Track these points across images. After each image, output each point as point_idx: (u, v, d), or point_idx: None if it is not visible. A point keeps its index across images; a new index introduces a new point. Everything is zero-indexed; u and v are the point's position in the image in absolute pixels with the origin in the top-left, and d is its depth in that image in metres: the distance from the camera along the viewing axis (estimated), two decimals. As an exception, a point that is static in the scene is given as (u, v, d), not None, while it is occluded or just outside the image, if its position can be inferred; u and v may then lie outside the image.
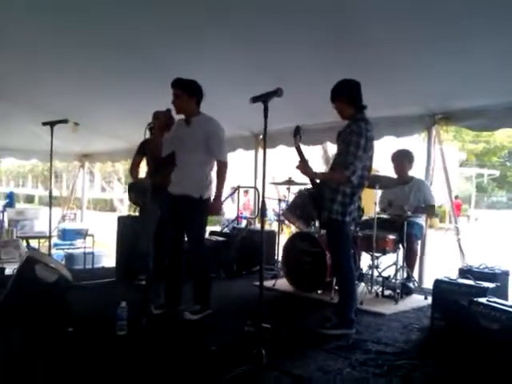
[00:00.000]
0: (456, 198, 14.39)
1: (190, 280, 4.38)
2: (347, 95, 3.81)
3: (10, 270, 5.61)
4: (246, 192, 11.19)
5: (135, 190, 5.48)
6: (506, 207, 37.08)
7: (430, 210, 5.45)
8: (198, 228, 4.29)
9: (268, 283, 5.43)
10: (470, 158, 33.55)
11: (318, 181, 4.03)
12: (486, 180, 35.84)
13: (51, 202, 5.17)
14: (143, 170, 5.47)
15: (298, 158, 3.90)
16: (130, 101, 5.93)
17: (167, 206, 4.25)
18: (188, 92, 4.07)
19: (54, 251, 8.41)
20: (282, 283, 5.55)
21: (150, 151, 4.23)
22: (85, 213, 11.74)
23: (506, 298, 3.91)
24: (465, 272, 4.29)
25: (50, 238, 5.60)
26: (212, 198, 4.19)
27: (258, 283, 3.20)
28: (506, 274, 4.38)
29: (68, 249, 8.57)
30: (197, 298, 4.28)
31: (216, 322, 4.15)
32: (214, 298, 4.53)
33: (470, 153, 33.16)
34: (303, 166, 3.87)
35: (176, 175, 4.20)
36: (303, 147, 4.00)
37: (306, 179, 4.17)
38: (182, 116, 4.21)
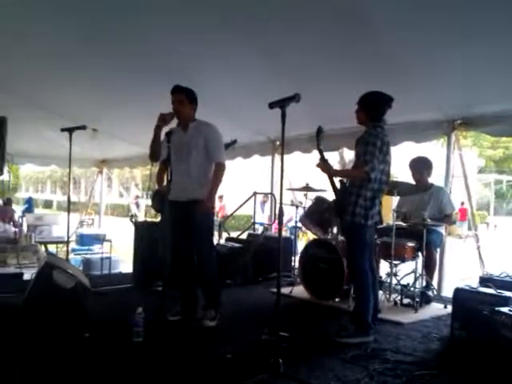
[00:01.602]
0: (462, 204, 14.21)
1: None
2: (371, 105, 3.93)
3: (28, 274, 5.66)
4: (266, 198, 11.17)
5: (159, 197, 5.50)
6: (526, 214, 36.52)
7: (448, 219, 5.37)
8: (209, 231, 4.38)
9: (285, 290, 5.39)
10: (489, 164, 33.15)
11: (339, 187, 4.06)
12: (505, 186, 35.33)
13: (69, 207, 5.22)
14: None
15: (319, 156, 3.98)
16: (148, 107, 5.90)
17: (173, 214, 4.21)
18: (189, 98, 4.20)
19: (71, 256, 8.50)
20: (299, 290, 5.51)
21: (151, 154, 4.24)
22: (102, 218, 11.83)
23: (528, 307, 3.82)
24: (485, 280, 4.20)
25: (68, 243, 5.65)
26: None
27: (274, 290, 3.18)
28: (527, 282, 4.28)
29: (86, 254, 8.64)
30: (210, 302, 4.28)
31: (232, 329, 4.14)
32: (230, 305, 4.53)
33: (488, 159, 32.77)
34: (323, 164, 3.96)
35: (178, 182, 4.14)
36: (314, 153, 4.04)
37: (323, 186, 4.19)
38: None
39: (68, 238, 5.40)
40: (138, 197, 22.53)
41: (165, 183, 5.37)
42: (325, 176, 4.05)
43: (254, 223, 8.15)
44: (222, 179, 4.25)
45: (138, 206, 21.23)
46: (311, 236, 7.41)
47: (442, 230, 5.40)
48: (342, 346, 3.66)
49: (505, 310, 3.21)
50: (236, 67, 4.88)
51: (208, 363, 3.31)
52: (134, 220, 6.37)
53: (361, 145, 3.90)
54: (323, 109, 5.52)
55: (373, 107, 3.93)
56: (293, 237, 7.25)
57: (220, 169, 4.22)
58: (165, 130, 4.13)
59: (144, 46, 4.63)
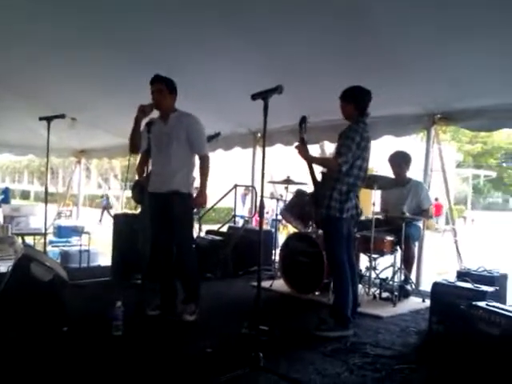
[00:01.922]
0: (436, 199, 14.40)
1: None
2: (355, 99, 3.97)
3: (4, 267, 5.55)
4: (247, 190, 11.15)
5: (138, 188, 5.44)
6: (502, 208, 37.22)
7: (425, 213, 5.42)
8: (189, 224, 4.34)
9: (265, 284, 5.40)
10: (467, 159, 33.62)
11: (319, 178, 4.09)
12: (483, 181, 35.92)
13: (47, 198, 5.12)
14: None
15: (299, 140, 3.99)
16: (129, 97, 5.83)
17: (153, 206, 4.18)
18: (169, 88, 4.13)
19: (49, 248, 8.36)
20: (279, 284, 5.52)
21: (131, 145, 4.17)
22: (81, 210, 11.68)
23: (504, 301, 3.88)
24: (463, 275, 4.25)
25: (45, 235, 5.56)
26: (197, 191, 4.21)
27: (255, 284, 3.17)
28: (504, 277, 4.35)
29: (64, 246, 8.52)
30: (189, 296, 4.25)
31: (212, 323, 4.12)
32: (210, 299, 4.51)
33: (466, 154, 33.23)
34: (302, 147, 3.97)
35: (158, 173, 4.15)
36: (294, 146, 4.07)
37: (304, 179, 4.20)
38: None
39: (45, 229, 5.30)
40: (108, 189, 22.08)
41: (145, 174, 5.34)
42: (305, 166, 4.05)
43: (234, 216, 8.13)
44: (209, 170, 4.20)
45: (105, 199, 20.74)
46: (292, 229, 7.42)
47: (420, 224, 5.45)
48: (321, 340, 3.68)
49: (482, 304, 3.23)
50: (218, 59, 4.82)
51: (188, 357, 3.29)
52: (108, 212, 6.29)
53: (341, 138, 3.93)
54: (305, 101, 5.49)
55: (362, 101, 3.96)
56: (273, 230, 7.25)
57: (205, 161, 4.18)
58: (145, 120, 4.09)
59: (126, 36, 4.54)
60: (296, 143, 4.03)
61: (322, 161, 4.36)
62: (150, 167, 4.22)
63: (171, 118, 4.17)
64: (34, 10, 4.15)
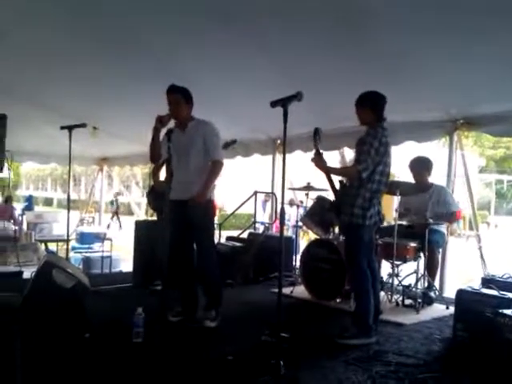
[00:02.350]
0: None
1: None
2: (371, 104, 3.91)
3: (28, 273, 5.63)
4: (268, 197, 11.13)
5: (153, 194, 5.49)
6: (526, 213, 36.49)
7: (451, 217, 5.33)
8: (210, 230, 4.39)
9: (285, 290, 5.36)
10: (490, 164, 33.07)
11: (338, 187, 4.04)
12: (506, 186, 35.27)
13: (69, 205, 5.18)
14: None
15: (314, 151, 3.95)
16: (148, 104, 5.90)
17: (173, 213, 4.16)
18: (185, 98, 4.16)
19: (72, 255, 8.47)
20: (300, 290, 5.49)
21: (151, 156, 4.22)
22: (103, 216, 11.80)
23: (531, 309, 3.79)
24: (488, 281, 4.17)
25: (67, 241, 5.61)
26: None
27: (275, 290, 3.14)
28: (530, 283, 4.25)
29: (86, 252, 8.61)
30: (211, 302, 4.25)
31: (233, 330, 4.11)
32: (230, 305, 4.49)
33: (489, 159, 32.69)
34: (318, 158, 3.93)
35: (178, 181, 4.18)
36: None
37: (325, 185, 4.18)
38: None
39: (68, 236, 5.37)
40: (118, 194, 22.15)
41: (160, 180, 5.37)
42: (323, 175, 4.02)
43: (254, 222, 8.12)
44: (218, 177, 4.22)
45: (114, 203, 20.83)
46: (312, 235, 7.38)
47: (444, 229, 5.36)
48: (343, 348, 3.63)
49: (508, 311, 3.18)
50: (236, 66, 4.85)
51: (209, 364, 3.28)
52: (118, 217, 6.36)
53: (359, 144, 3.89)
54: (324, 108, 5.49)
55: (379, 105, 3.91)
56: (294, 236, 7.21)
57: (216, 166, 4.18)
58: (165, 129, 4.12)
59: (144, 46, 4.61)
60: (312, 155, 3.98)
61: (340, 170, 4.33)
62: (169, 174, 4.25)
63: (189, 126, 4.21)
64: (54, 22, 4.23)
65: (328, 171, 4.03)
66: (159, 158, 4.30)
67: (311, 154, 4.02)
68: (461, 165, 5.63)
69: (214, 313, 4.17)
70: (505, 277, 4.34)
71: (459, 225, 17.02)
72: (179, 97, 4.12)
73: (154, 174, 5.46)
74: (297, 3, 3.71)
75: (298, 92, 3.01)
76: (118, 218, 18.93)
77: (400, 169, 6.76)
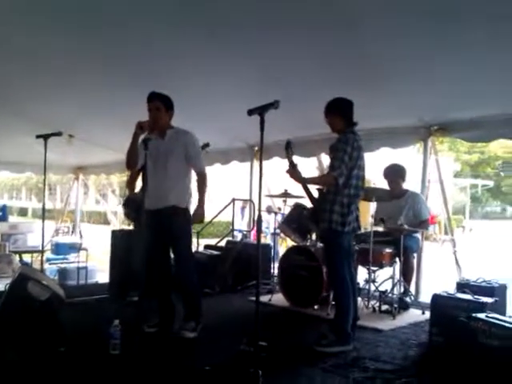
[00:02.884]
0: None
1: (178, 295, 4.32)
2: (340, 111, 3.97)
3: (1, 285, 5.52)
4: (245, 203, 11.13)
5: (130, 204, 5.43)
6: (500, 217, 37.20)
7: (423, 225, 5.41)
8: (187, 239, 4.29)
9: (264, 298, 5.38)
10: (465, 168, 33.66)
11: (315, 195, 4.08)
12: (481, 191, 35.94)
13: (44, 215, 5.11)
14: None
15: (288, 163, 4.00)
16: (124, 112, 5.88)
17: (150, 221, 4.14)
18: (166, 106, 4.14)
19: (46, 266, 8.34)
20: (278, 298, 5.49)
21: (128, 162, 4.18)
22: (79, 226, 11.63)
23: (504, 312, 3.87)
24: (462, 286, 4.25)
25: (42, 252, 5.53)
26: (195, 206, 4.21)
27: (253, 298, 3.14)
28: (503, 287, 4.35)
29: (61, 263, 8.48)
30: (190, 313, 4.20)
31: (210, 339, 4.08)
32: (208, 314, 4.47)
33: (464, 163, 33.28)
34: (292, 171, 3.96)
35: (155, 189, 4.13)
36: (297, 159, 4.08)
37: (302, 192, 4.20)
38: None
39: (43, 247, 5.28)
40: None
41: (136, 191, 5.33)
42: (296, 183, 4.05)
43: (232, 230, 8.11)
44: (207, 185, 4.24)
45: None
46: (290, 242, 7.40)
47: (418, 235, 5.44)
48: (321, 355, 3.64)
49: (481, 315, 3.23)
50: (214, 73, 4.84)
51: (186, 375, 3.26)
52: None
53: (331, 151, 3.92)
54: (302, 114, 5.52)
55: (347, 111, 3.96)
56: (272, 243, 7.22)
57: (203, 178, 4.22)
58: (141, 136, 4.09)
59: (121, 52, 4.57)
60: (287, 167, 4.01)
61: (316, 179, 4.35)
62: (144, 183, 4.22)
63: (168, 134, 4.18)
64: (30, 25, 4.17)
65: (304, 182, 4.06)
66: (135, 165, 4.24)
67: (286, 164, 4.04)
68: (435, 170, 5.72)
69: (193, 323, 4.12)
70: (479, 281, 4.42)
71: (435, 229, 17.30)
72: (160, 104, 4.10)
73: (130, 184, 5.40)
74: (277, 13, 3.73)
75: (275, 100, 3.03)
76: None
77: (376, 175, 6.83)
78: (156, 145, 4.10)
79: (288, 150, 4.03)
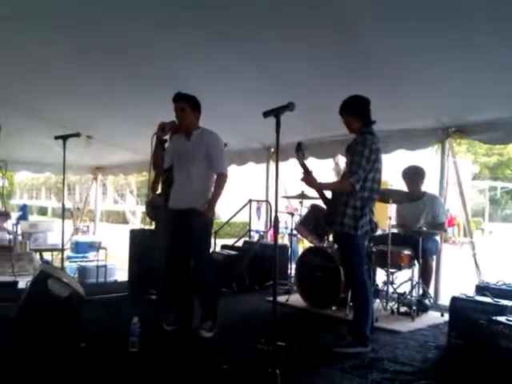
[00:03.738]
0: (447, 211, 14.19)
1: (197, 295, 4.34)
2: (356, 110, 3.88)
3: (23, 283, 5.60)
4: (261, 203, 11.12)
5: (151, 205, 5.50)
6: (520, 220, 36.65)
7: (441, 227, 5.37)
8: (205, 241, 4.29)
9: (281, 298, 5.38)
10: (483, 171, 33.26)
11: (327, 196, 4.05)
12: (500, 193, 35.44)
13: (64, 214, 5.18)
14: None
15: (302, 171, 3.95)
16: (143, 114, 5.95)
17: (172, 222, 4.20)
18: (192, 106, 4.14)
19: (67, 264, 8.44)
20: (296, 299, 5.49)
21: (153, 163, 4.19)
22: (98, 225, 11.77)
23: (525, 316, 3.81)
24: (482, 289, 4.20)
25: (62, 251, 5.60)
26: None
27: (271, 298, 3.14)
28: (524, 290, 4.28)
29: (81, 262, 8.58)
30: (207, 312, 4.22)
31: (228, 338, 4.11)
32: (226, 314, 4.49)
33: (482, 166, 32.89)
34: (307, 177, 3.92)
35: (179, 190, 4.18)
36: (313, 160, 4.04)
37: (318, 195, 4.19)
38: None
39: (63, 245, 5.35)
40: None
41: (158, 191, 5.36)
42: (315, 190, 4.02)
43: (249, 230, 8.12)
44: (224, 187, 4.20)
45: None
46: (307, 243, 7.39)
47: (437, 237, 5.40)
48: (339, 356, 3.63)
49: (502, 319, 3.20)
50: (232, 75, 4.87)
51: (204, 374, 3.28)
52: None
53: (349, 153, 3.86)
54: (318, 116, 5.52)
55: (364, 110, 3.87)
56: (289, 244, 7.21)
57: (222, 179, 4.18)
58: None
59: (140, 54, 4.61)
60: (301, 175, 3.95)
61: (333, 185, 4.23)
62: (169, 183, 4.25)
63: (194, 135, 4.18)
64: (54, 28, 4.23)
65: (321, 188, 4.03)
66: (161, 167, 4.27)
67: (306, 161, 4.01)
68: (453, 172, 5.67)
69: (210, 323, 4.14)
70: (499, 284, 4.37)
71: (454, 232, 17.13)
72: (185, 104, 4.10)
73: (153, 184, 5.41)
74: (289, 13, 3.73)
75: (290, 102, 3.03)
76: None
77: (392, 177, 6.79)
78: (182, 145, 4.14)
79: (299, 152, 3.95)
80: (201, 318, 4.22)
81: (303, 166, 3.96)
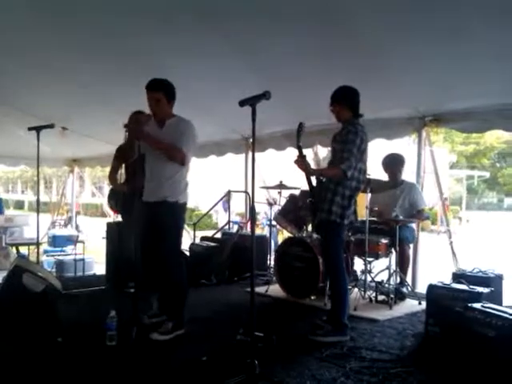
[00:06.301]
0: (446, 199, 14.38)
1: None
2: (348, 100, 3.89)
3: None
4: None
5: (114, 197, 5.34)
6: (497, 208, 37.34)
7: (420, 214, 5.42)
8: (174, 234, 4.00)
9: (260, 289, 5.39)
10: (461, 159, 33.70)
11: (314, 183, 4.03)
12: (477, 182, 36.00)
13: (39, 208, 5.08)
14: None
15: (297, 153, 3.90)
16: (118, 104, 5.85)
17: (144, 214, 3.97)
18: (168, 96, 3.91)
19: (44, 258, 8.35)
20: (275, 289, 5.50)
21: (124, 155, 4.00)
22: (74, 218, 11.63)
23: (500, 302, 3.87)
24: (458, 276, 4.24)
25: (38, 245, 5.51)
26: None
27: (250, 289, 3.13)
28: (499, 278, 4.35)
29: (59, 255, 8.47)
30: (171, 312, 3.96)
31: (207, 330, 4.09)
32: (205, 305, 4.48)
33: (460, 154, 33.32)
34: (302, 161, 3.87)
35: (150, 181, 3.98)
36: (292, 150, 4.02)
37: (297, 183, 4.17)
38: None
39: (38, 239, 5.25)
40: None
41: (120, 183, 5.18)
42: (301, 173, 3.96)
43: (229, 222, 8.12)
44: (173, 155, 3.83)
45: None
46: (286, 234, 7.41)
47: (414, 225, 5.45)
48: (318, 345, 3.65)
49: (477, 305, 3.24)
50: (210, 65, 4.81)
51: (183, 366, 3.26)
52: None
53: (339, 142, 3.85)
54: (297, 106, 5.50)
55: (356, 102, 3.89)
56: (268, 235, 7.23)
57: (178, 152, 3.81)
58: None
59: (115, 44, 4.53)
60: (295, 157, 3.88)
61: (324, 172, 4.15)
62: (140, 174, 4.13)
63: (167, 123, 3.96)
64: (21, 18, 4.12)
65: (312, 174, 4.01)
66: (132, 157, 4.03)
67: (284, 152, 4.00)
68: (430, 161, 5.72)
69: (170, 325, 3.85)
70: (475, 271, 4.43)
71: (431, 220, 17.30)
72: (161, 95, 3.85)
73: (111, 175, 5.20)
74: (269, 3, 3.70)
75: (266, 91, 3.00)
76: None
77: (370, 166, 6.82)
78: (153, 134, 3.87)
79: (299, 133, 3.91)
80: (155, 316, 4.06)
81: (299, 148, 3.92)
